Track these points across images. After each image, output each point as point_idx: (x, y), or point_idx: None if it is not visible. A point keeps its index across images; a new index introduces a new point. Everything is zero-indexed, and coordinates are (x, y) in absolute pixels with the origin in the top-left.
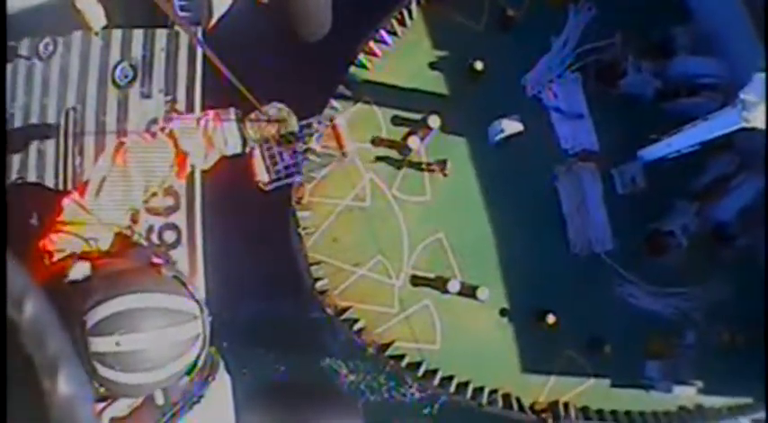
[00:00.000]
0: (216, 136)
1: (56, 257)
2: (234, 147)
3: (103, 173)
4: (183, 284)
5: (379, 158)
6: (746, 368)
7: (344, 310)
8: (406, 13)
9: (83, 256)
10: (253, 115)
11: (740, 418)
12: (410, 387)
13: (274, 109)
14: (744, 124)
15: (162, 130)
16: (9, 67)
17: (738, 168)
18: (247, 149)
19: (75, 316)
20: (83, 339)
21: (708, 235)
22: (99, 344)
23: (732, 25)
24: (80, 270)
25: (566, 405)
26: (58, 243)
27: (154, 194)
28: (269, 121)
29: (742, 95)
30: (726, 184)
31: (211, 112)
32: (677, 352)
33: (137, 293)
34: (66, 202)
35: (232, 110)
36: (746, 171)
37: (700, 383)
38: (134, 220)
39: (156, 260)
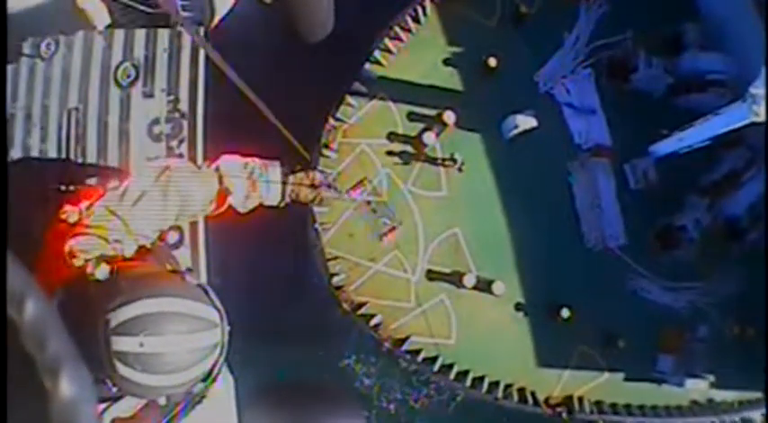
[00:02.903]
0: (260, 184)
1: (80, 259)
2: (273, 199)
3: (145, 187)
4: (206, 293)
5: (394, 154)
6: (758, 362)
7: (361, 305)
8: (419, 9)
9: (106, 260)
10: (300, 176)
11: (752, 411)
12: (422, 391)
13: (320, 176)
14: (754, 119)
15: (208, 164)
16: (10, 67)
17: (749, 163)
18: (282, 204)
19: (100, 314)
20: (105, 337)
21: (719, 229)
22: (122, 343)
23: (741, 21)
24: (102, 271)
25: (580, 399)
26: (83, 244)
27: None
28: (312, 185)
29: (752, 90)
30: (737, 178)
31: (259, 161)
32: (690, 346)
33: (163, 297)
34: (98, 204)
35: (278, 164)
36: (757, 166)
37: (712, 377)
38: (161, 238)
39: (171, 268)
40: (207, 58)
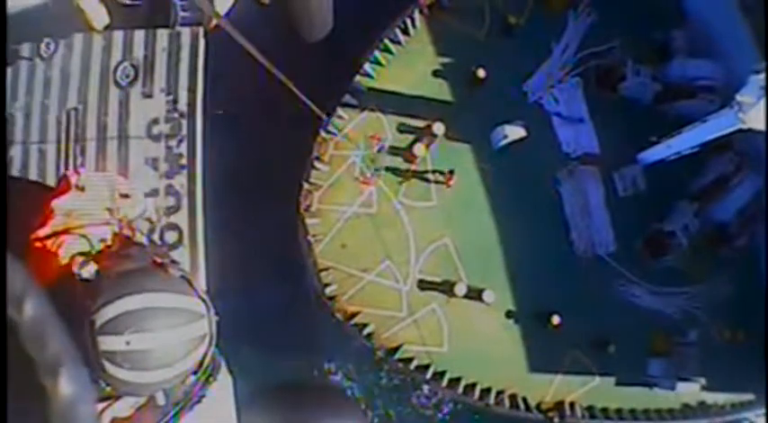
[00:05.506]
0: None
1: (64, 257)
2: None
3: (85, 181)
4: (190, 284)
5: (385, 165)
6: (748, 365)
7: (354, 314)
8: (409, 21)
9: (91, 257)
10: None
11: (743, 413)
12: (412, 398)
13: None
14: (741, 126)
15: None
16: (10, 67)
17: (737, 169)
18: None
19: (85, 315)
20: (92, 338)
21: (708, 235)
22: (109, 343)
23: (728, 28)
24: (88, 270)
25: (571, 404)
26: (69, 244)
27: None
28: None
29: (738, 97)
30: (725, 184)
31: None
32: (680, 350)
33: (146, 293)
34: (66, 203)
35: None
36: (745, 171)
37: (702, 381)
38: (131, 228)
39: (158, 260)
40: (206, 57)
